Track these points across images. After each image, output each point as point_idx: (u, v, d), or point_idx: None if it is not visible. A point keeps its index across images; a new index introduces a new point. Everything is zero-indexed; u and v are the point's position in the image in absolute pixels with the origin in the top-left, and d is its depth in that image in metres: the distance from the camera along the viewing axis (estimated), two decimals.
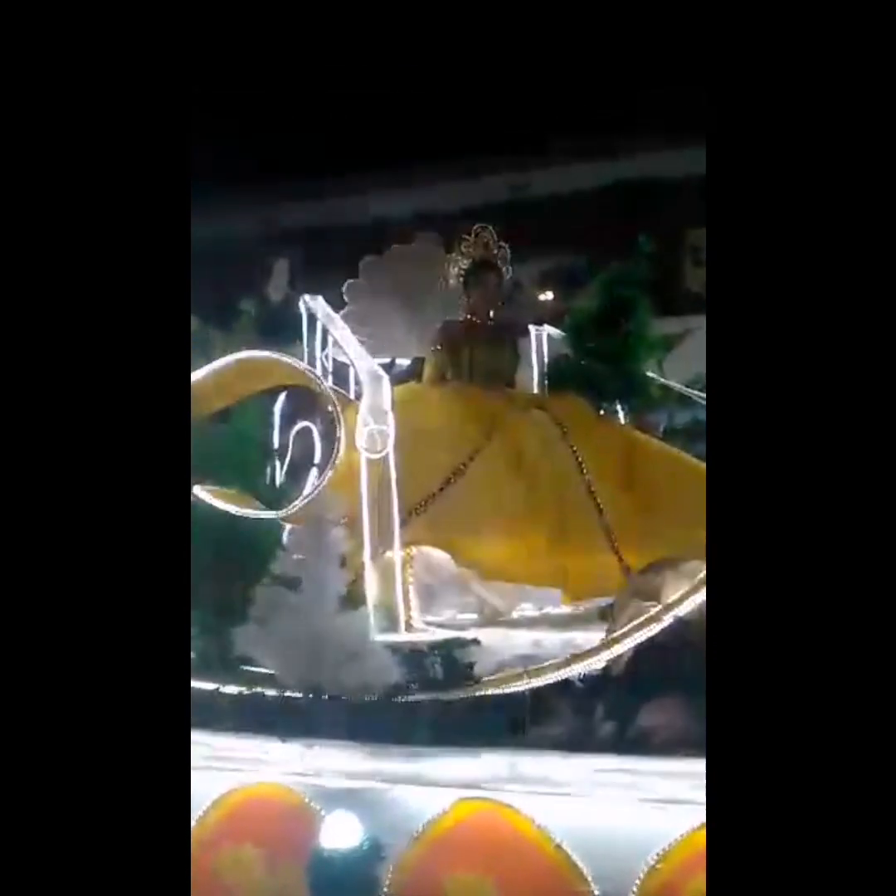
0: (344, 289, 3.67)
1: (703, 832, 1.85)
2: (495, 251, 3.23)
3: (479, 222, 3.35)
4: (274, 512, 2.51)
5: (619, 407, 3.47)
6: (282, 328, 3.49)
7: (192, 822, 2.21)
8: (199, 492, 2.42)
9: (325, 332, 3.29)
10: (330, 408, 2.57)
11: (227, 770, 2.19)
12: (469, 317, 3.27)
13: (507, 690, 2.14)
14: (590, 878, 1.94)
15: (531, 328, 3.57)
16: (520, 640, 2.41)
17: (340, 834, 1.73)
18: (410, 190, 5.73)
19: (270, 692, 2.22)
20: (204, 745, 2.19)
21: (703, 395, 3.52)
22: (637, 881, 1.89)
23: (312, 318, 3.32)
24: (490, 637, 2.37)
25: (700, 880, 1.85)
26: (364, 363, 2.80)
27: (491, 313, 3.26)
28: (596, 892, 1.93)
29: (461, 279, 3.26)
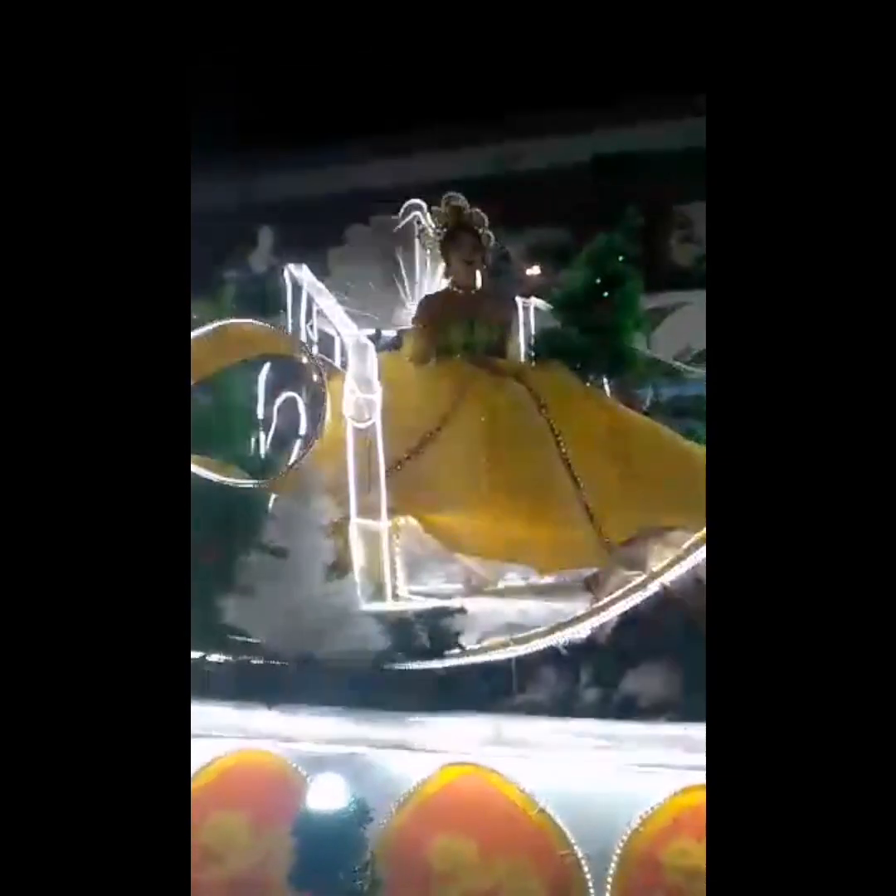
0: (329, 258, 3.63)
1: (685, 796, 1.90)
2: (468, 215, 3.21)
3: (465, 193, 3.32)
4: (260, 481, 2.49)
5: (604, 380, 3.47)
6: (266, 298, 3.45)
7: None
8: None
9: (309, 301, 3.26)
10: (316, 377, 2.55)
11: (213, 737, 2.20)
12: (451, 287, 3.24)
13: (493, 658, 2.15)
14: (573, 841, 1.97)
15: (519, 300, 3.56)
16: (506, 610, 2.42)
17: (326, 797, 1.74)
18: (397, 160, 5.67)
19: (256, 660, 2.22)
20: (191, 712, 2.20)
21: (689, 369, 3.53)
22: (620, 843, 1.93)
23: (297, 288, 3.28)
24: (476, 606, 2.39)
25: (681, 843, 1.89)
26: (349, 332, 2.77)
27: (474, 280, 3.23)
28: (579, 855, 1.96)
29: (439, 247, 3.23)
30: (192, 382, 2.71)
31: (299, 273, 3.26)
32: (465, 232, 3.16)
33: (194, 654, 2.28)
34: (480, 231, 3.18)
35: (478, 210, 3.20)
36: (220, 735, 2.20)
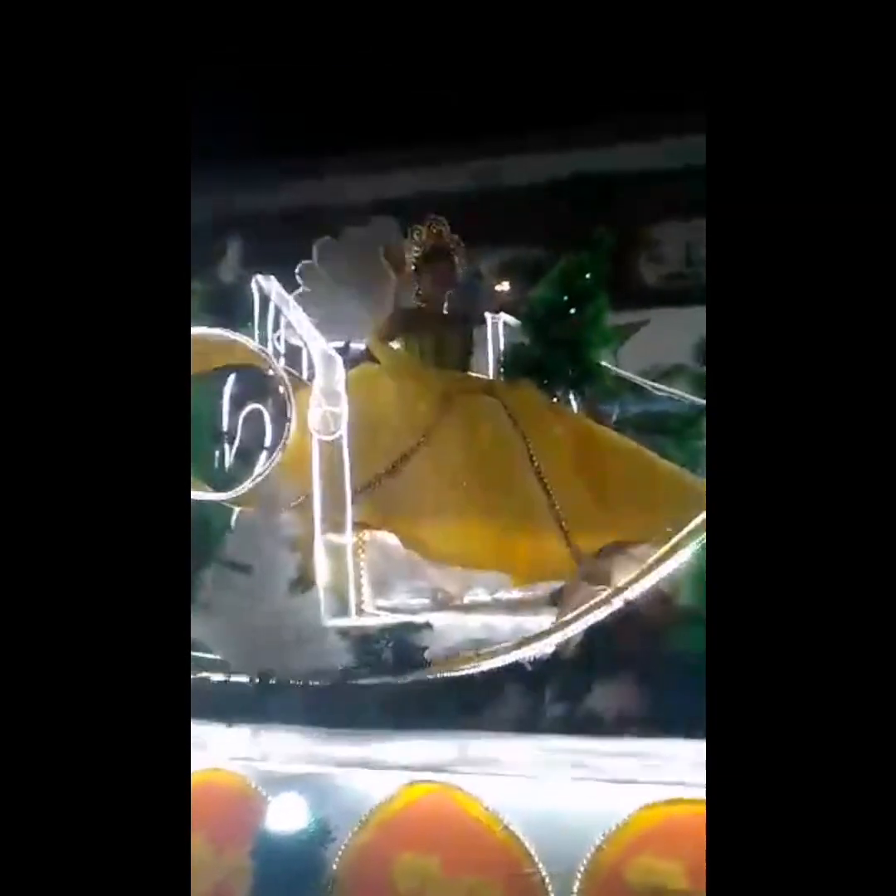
0: (298, 270, 3.61)
1: (649, 812, 1.89)
2: (447, 241, 3.24)
3: (438, 209, 3.34)
4: (223, 494, 2.46)
5: (572, 396, 3.50)
6: (233, 309, 3.41)
7: None
8: None
9: (277, 313, 3.24)
10: (281, 389, 2.53)
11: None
12: (421, 305, 3.26)
13: (458, 673, 2.14)
14: (537, 859, 1.95)
15: (488, 316, 3.57)
16: (471, 625, 2.41)
17: (286, 817, 1.70)
18: (369, 175, 5.68)
19: (217, 677, 2.18)
20: None
21: (656, 386, 3.58)
22: (584, 861, 1.91)
23: (265, 299, 3.26)
24: (442, 621, 2.38)
25: (646, 860, 1.89)
26: (317, 345, 2.76)
27: (445, 301, 3.26)
28: (543, 873, 1.95)
29: (413, 267, 3.25)
30: None
31: (267, 284, 3.25)
32: (442, 259, 3.19)
33: None
34: (457, 257, 3.22)
35: (456, 236, 3.22)
36: None
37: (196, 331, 2.70)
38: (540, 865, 1.95)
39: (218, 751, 2.10)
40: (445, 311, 3.24)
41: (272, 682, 2.11)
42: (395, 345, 3.14)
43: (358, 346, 3.48)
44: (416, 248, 3.24)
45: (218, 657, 2.21)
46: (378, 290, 3.59)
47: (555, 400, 3.37)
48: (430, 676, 2.16)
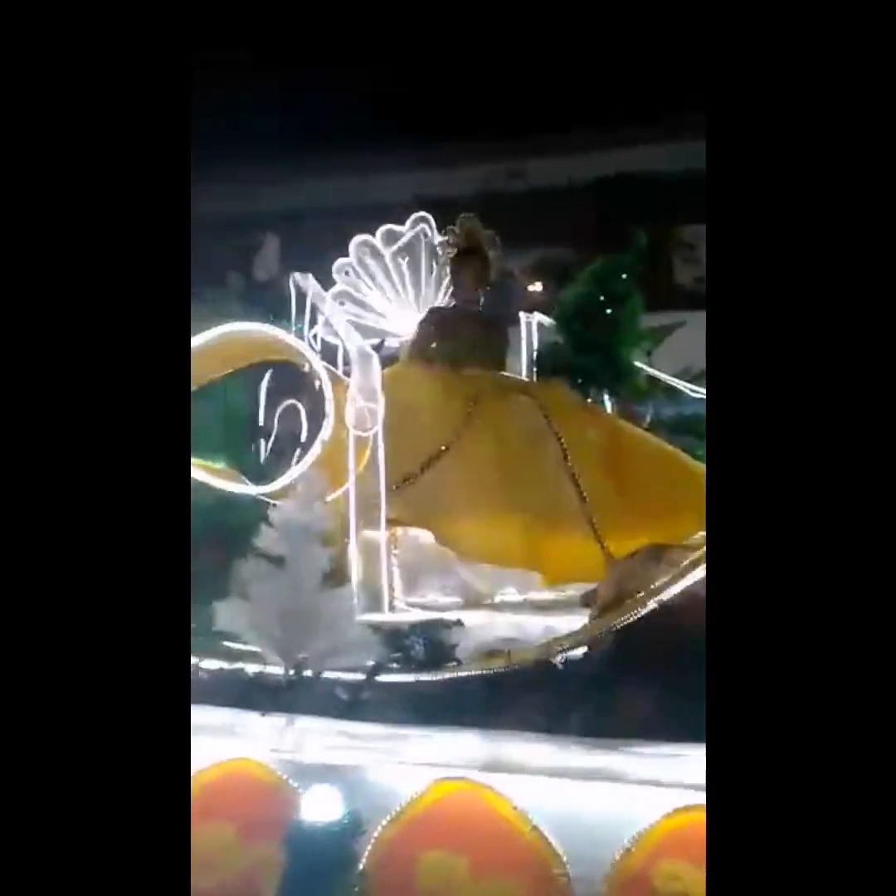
0: (334, 268, 3.64)
1: (677, 817, 1.88)
2: (481, 239, 3.26)
3: (473, 208, 3.36)
4: (260, 488, 2.49)
5: (606, 396, 3.49)
6: (270, 305, 3.46)
7: None
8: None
9: (313, 310, 3.27)
10: (318, 384, 2.56)
11: (204, 746, 2.18)
12: (456, 303, 3.28)
13: (489, 672, 2.14)
14: (565, 860, 1.95)
15: (522, 316, 3.58)
16: (502, 624, 2.41)
17: (319, 809, 1.72)
18: (406, 173, 5.71)
19: (251, 667, 2.20)
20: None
21: (691, 387, 3.55)
22: (611, 864, 1.90)
23: (301, 297, 3.30)
24: (473, 619, 2.38)
25: (672, 863, 1.87)
26: (354, 342, 2.78)
27: (479, 300, 3.28)
28: (570, 874, 1.94)
29: (448, 266, 3.28)
30: (194, 388, 2.72)
31: (304, 282, 3.28)
32: (475, 258, 3.21)
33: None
34: (491, 253, 3.23)
35: (491, 232, 3.24)
36: (215, 743, 2.18)
37: (235, 326, 2.75)
38: (568, 867, 1.94)
39: (250, 740, 2.13)
40: (480, 310, 3.25)
41: (305, 673, 2.13)
42: (430, 344, 3.15)
43: (392, 344, 3.51)
44: (450, 247, 3.26)
45: (252, 648, 2.23)
46: (413, 288, 3.61)
47: (588, 400, 3.37)
48: (460, 674, 2.16)
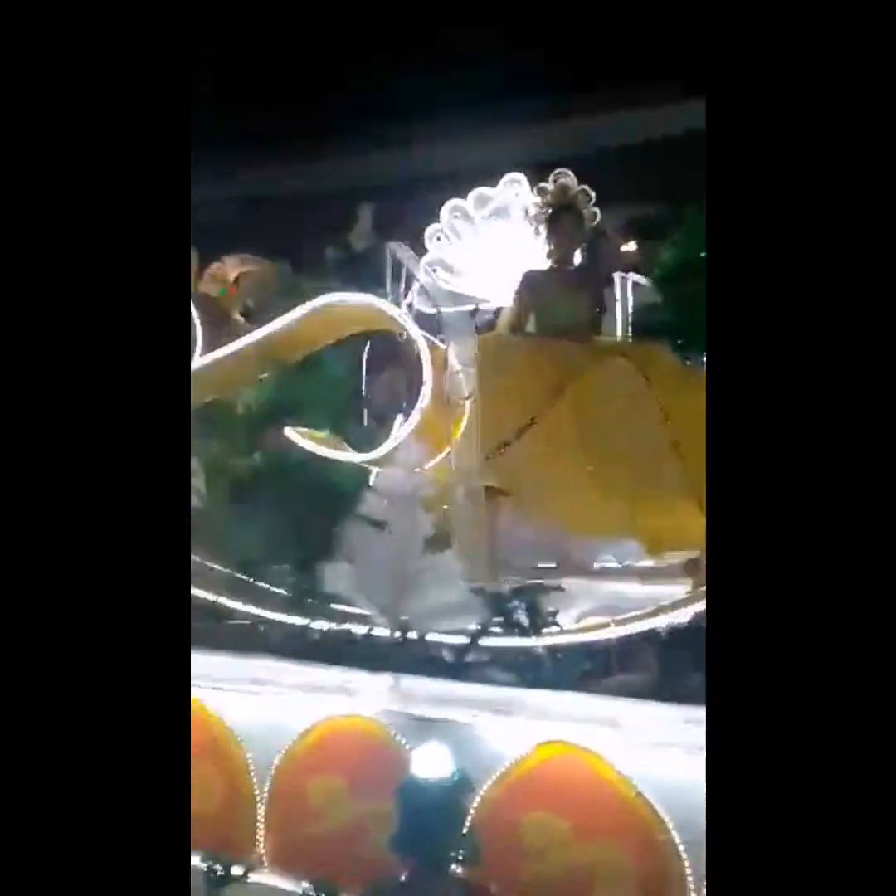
0: (426, 235, 3.63)
1: None
2: (574, 195, 3.15)
3: (565, 167, 3.26)
4: (362, 455, 2.54)
5: (704, 359, 3.35)
6: (366, 275, 3.49)
7: (281, 751, 2.33)
8: (291, 434, 2.47)
9: (409, 279, 3.28)
10: (417, 352, 2.58)
11: (314, 702, 2.28)
12: (551, 264, 3.20)
13: (593, 638, 2.14)
14: (671, 826, 1.94)
15: (616, 276, 3.47)
16: (604, 591, 2.40)
17: (430, 766, 1.77)
18: (494, 136, 5.61)
19: (358, 628, 2.27)
20: (294, 676, 2.29)
21: None
22: None
23: (397, 266, 3.31)
24: (573, 586, 2.37)
25: None
26: (450, 309, 2.78)
27: (574, 259, 3.18)
28: (677, 840, 1.94)
29: (541, 225, 3.20)
30: (297, 359, 2.80)
31: (399, 251, 3.29)
32: (569, 215, 3.12)
33: (299, 621, 2.37)
34: (585, 210, 3.13)
35: (585, 187, 3.14)
36: (324, 700, 2.27)
37: (334, 297, 2.79)
38: (673, 833, 1.94)
39: (360, 698, 2.21)
40: (574, 271, 3.17)
41: (411, 635, 2.18)
42: (525, 308, 3.11)
43: (487, 310, 3.48)
44: (543, 205, 3.18)
45: (360, 609, 2.30)
46: (506, 252, 3.56)
47: (688, 363, 3.25)
48: (563, 640, 2.17)
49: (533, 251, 3.48)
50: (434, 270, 3.41)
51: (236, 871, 2.33)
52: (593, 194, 3.17)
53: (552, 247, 3.17)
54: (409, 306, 3.30)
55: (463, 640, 2.18)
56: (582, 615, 2.28)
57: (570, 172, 3.19)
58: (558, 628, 2.22)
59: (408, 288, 3.28)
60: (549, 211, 3.16)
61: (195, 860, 2.42)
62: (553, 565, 2.59)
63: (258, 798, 2.36)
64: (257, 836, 2.37)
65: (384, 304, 2.79)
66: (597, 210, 3.20)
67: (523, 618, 2.23)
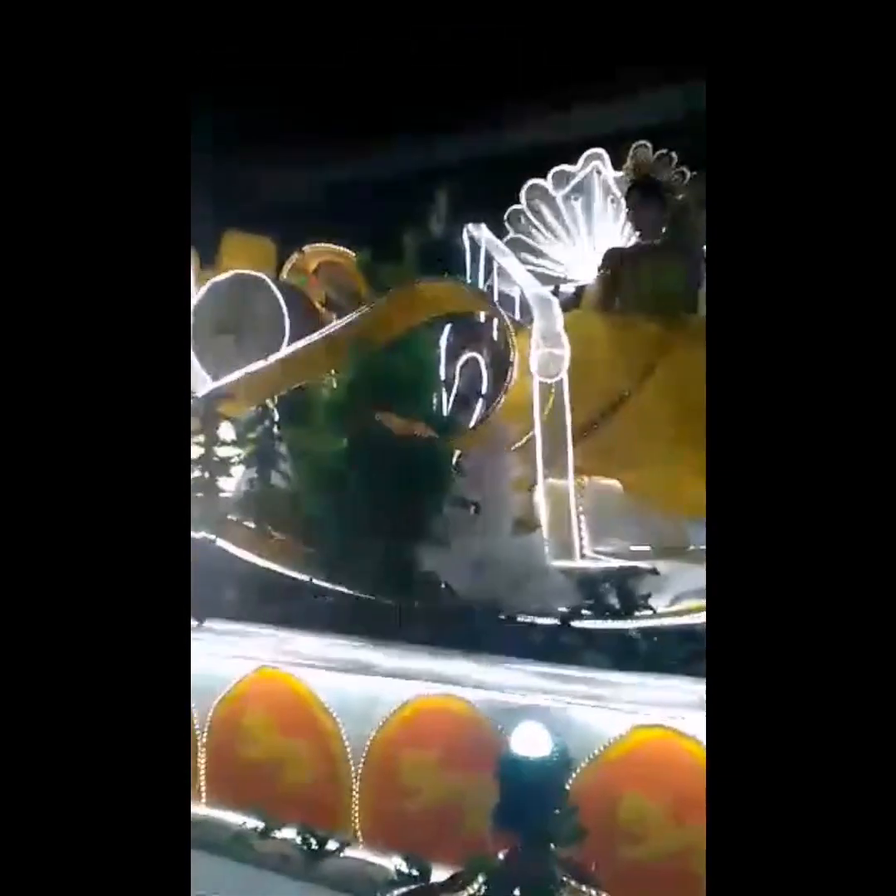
0: (506, 216, 3.60)
1: None
2: (656, 167, 3.06)
3: (648, 138, 3.16)
4: (450, 437, 2.54)
5: None
6: (445, 258, 3.49)
7: (375, 727, 2.37)
8: (381, 418, 2.49)
9: (488, 260, 3.26)
10: (500, 333, 2.56)
11: (407, 682, 2.30)
12: (636, 239, 3.12)
13: (688, 622, 2.09)
14: None
15: (706, 251, 3.36)
16: (699, 573, 2.33)
17: (528, 744, 1.77)
18: (572, 112, 5.50)
19: (449, 609, 2.29)
20: (386, 656, 2.32)
21: None
22: None
23: (476, 247, 3.29)
24: (668, 568, 2.32)
25: None
26: (533, 288, 2.75)
27: (659, 234, 3.09)
28: None
29: (625, 198, 3.12)
30: (382, 343, 2.82)
31: (478, 232, 3.27)
32: (650, 188, 3.03)
33: (389, 601, 2.40)
34: (669, 180, 3.04)
35: (668, 152, 3.05)
36: (417, 678, 2.29)
37: (422, 281, 2.79)
38: None
39: (451, 677, 2.22)
40: (660, 246, 3.09)
41: (502, 616, 2.18)
42: (611, 286, 3.05)
43: (568, 289, 3.44)
44: (626, 178, 3.11)
45: (451, 590, 2.31)
46: (588, 229, 3.50)
47: None
48: (658, 623, 2.13)
49: (616, 227, 3.41)
50: (514, 251, 3.38)
51: (331, 845, 2.38)
52: (675, 158, 3.07)
53: (635, 224, 3.09)
54: (490, 288, 3.28)
55: (555, 621, 2.16)
56: (676, 598, 2.22)
57: (649, 144, 3.10)
58: (651, 611, 2.17)
59: (488, 270, 3.26)
60: (631, 185, 3.08)
61: (290, 833, 2.51)
62: (646, 547, 2.54)
63: (353, 774, 2.41)
64: (352, 812, 2.42)
65: (467, 287, 2.78)
66: (685, 176, 3.10)
67: (615, 600, 2.20)
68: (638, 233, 3.11)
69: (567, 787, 1.90)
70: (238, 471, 2.84)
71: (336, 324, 2.91)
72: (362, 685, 2.38)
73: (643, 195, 3.05)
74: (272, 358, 2.94)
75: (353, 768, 2.41)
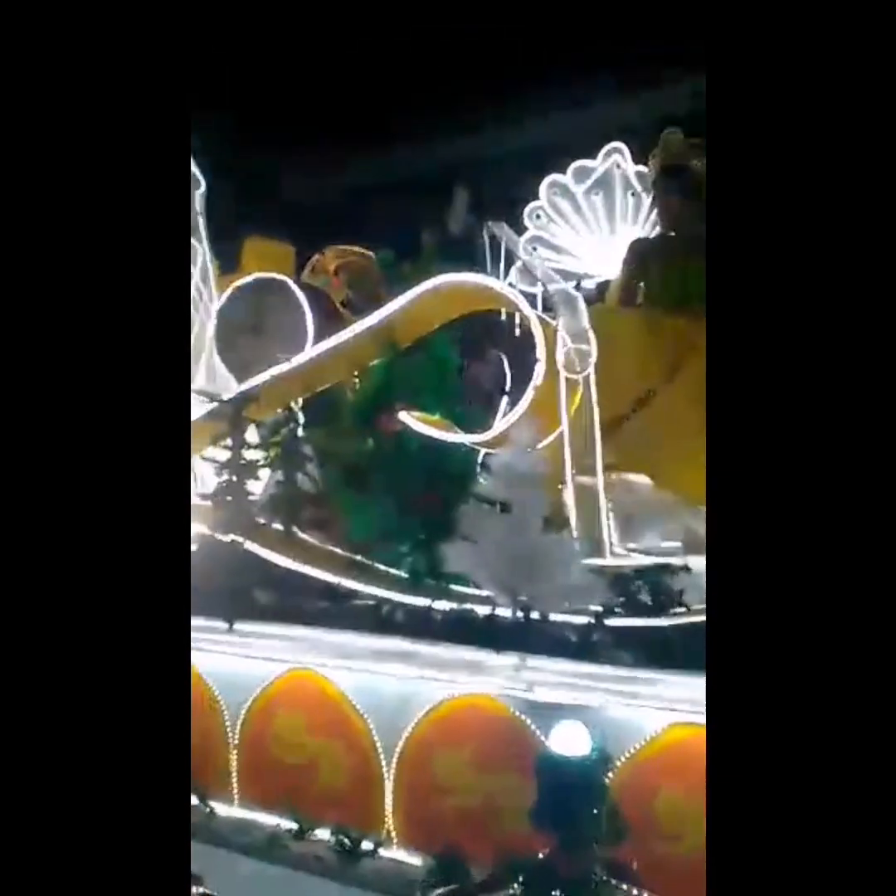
0: (525, 213, 3.58)
1: None
2: (684, 150, 2.99)
3: (682, 125, 3.10)
4: (474, 436, 2.53)
5: None
6: (465, 256, 3.47)
7: (407, 727, 2.36)
8: (406, 418, 2.49)
9: (507, 258, 3.24)
10: (526, 330, 2.54)
11: (440, 682, 2.29)
12: (661, 231, 3.07)
13: None
14: None
15: None
16: None
17: (566, 743, 1.76)
18: (590, 105, 5.45)
19: (482, 609, 2.27)
20: (417, 656, 2.31)
21: None
22: None
23: (495, 245, 3.27)
24: (700, 565, 2.29)
25: None
26: (556, 285, 2.73)
27: (685, 223, 3.03)
28: None
29: (652, 186, 3.05)
30: (406, 343, 2.81)
31: (498, 230, 3.25)
32: (674, 177, 2.97)
33: (420, 602, 2.39)
34: (696, 164, 2.96)
35: (695, 140, 2.98)
36: (451, 679, 2.28)
37: (440, 280, 2.78)
38: None
39: (485, 677, 2.20)
40: (687, 237, 3.03)
41: (533, 615, 2.16)
42: (635, 280, 3.01)
43: (588, 285, 3.40)
44: (655, 165, 3.04)
45: (480, 589, 2.30)
46: (609, 224, 3.46)
47: None
48: (690, 620, 2.10)
49: (639, 220, 3.37)
50: (534, 248, 3.36)
51: (366, 845, 2.38)
52: (701, 146, 3.00)
53: (662, 212, 3.03)
54: (511, 285, 3.26)
55: (587, 620, 2.15)
56: None
57: (679, 130, 3.04)
58: (684, 609, 2.15)
59: (508, 267, 3.25)
60: (658, 172, 3.01)
61: (325, 834, 2.52)
62: (677, 543, 2.52)
63: (385, 775, 2.41)
64: (386, 812, 2.42)
65: (495, 283, 2.77)
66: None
67: (647, 598, 2.18)
68: (663, 220, 3.05)
69: (607, 785, 1.89)
70: (265, 473, 2.85)
71: (359, 324, 2.90)
72: (394, 685, 2.38)
73: (671, 180, 2.97)
74: (296, 359, 2.94)
75: (385, 769, 2.41)
